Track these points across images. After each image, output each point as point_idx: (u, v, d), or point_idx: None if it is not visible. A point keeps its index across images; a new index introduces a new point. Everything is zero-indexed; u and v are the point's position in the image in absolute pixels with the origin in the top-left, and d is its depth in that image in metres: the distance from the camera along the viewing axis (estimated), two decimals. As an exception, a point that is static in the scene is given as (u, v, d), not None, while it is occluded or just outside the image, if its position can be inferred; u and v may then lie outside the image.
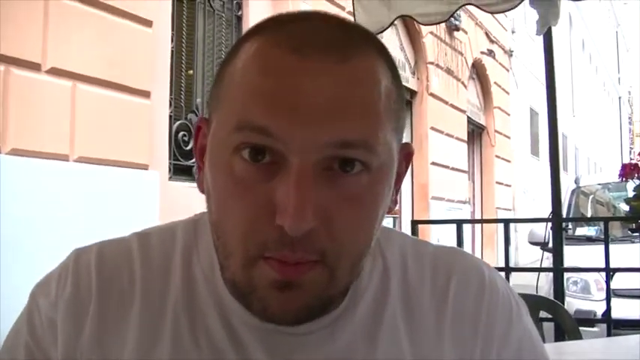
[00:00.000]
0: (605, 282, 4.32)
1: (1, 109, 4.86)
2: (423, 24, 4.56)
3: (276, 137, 0.81)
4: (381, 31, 4.34)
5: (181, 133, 6.95)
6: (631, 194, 4.14)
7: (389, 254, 1.04)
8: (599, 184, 9.13)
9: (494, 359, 1.02)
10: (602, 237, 5.86)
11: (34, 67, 5.13)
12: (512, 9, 4.05)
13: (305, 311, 0.87)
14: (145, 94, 6.12)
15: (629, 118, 47.44)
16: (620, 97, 43.22)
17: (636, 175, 4.03)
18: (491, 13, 5.31)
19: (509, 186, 18.02)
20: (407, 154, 0.97)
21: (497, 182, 17.15)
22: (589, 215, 8.25)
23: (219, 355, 0.94)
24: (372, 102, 0.85)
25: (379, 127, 0.85)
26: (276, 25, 0.89)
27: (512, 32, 18.31)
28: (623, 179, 4.14)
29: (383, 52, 0.90)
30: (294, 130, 0.80)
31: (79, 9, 5.46)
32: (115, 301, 0.97)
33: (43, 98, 5.19)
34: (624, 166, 4.10)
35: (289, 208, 0.79)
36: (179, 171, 6.94)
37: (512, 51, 18.19)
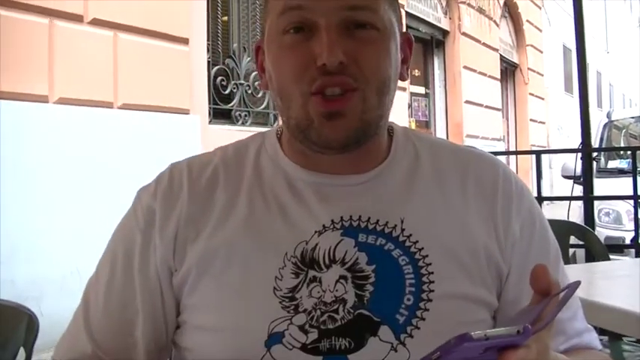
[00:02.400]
0: (634, 209, 4.45)
1: (47, 61, 5.07)
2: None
3: (307, 9, 1.14)
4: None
5: (219, 78, 7.13)
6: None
7: (418, 143, 1.31)
8: (632, 118, 9.14)
9: (513, 214, 1.25)
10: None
11: (77, 18, 5.34)
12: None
13: (350, 133, 1.15)
14: (184, 41, 6.31)
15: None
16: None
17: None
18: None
19: (544, 123, 18.01)
20: (407, 39, 1.28)
21: (531, 119, 17.16)
22: (622, 148, 8.29)
23: (283, 205, 1.20)
24: None
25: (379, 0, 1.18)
26: None
27: (545, -32, 18.14)
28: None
29: None
30: (318, 1, 1.14)
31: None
32: (202, 188, 1.23)
33: (86, 49, 5.39)
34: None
35: (324, 49, 1.11)
36: (218, 114, 7.13)
37: (545, -13, 18.06)
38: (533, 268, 0.96)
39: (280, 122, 1.28)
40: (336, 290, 1.14)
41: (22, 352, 1.59)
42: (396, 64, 1.21)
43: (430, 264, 1.16)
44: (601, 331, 3.21)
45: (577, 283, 0.96)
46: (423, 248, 1.17)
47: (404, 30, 1.27)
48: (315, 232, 1.17)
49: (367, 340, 1.13)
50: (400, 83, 1.28)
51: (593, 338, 1.31)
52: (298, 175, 1.23)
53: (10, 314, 1.64)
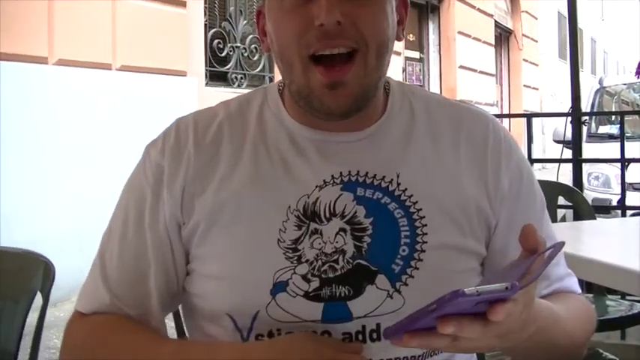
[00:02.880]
0: (621, 172, 4.56)
1: (47, 24, 5.14)
2: None
3: None
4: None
5: (216, 41, 7.21)
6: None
7: (414, 100, 1.36)
8: (624, 84, 9.20)
9: (502, 170, 1.32)
10: (626, 135, 6.10)
11: (76, -19, 5.39)
12: None
13: (352, 101, 1.20)
14: (181, 4, 6.39)
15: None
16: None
17: (652, 72, 4.24)
18: None
19: (537, 89, 18.10)
20: (403, 1, 1.32)
21: (524, 85, 17.25)
22: (613, 114, 8.38)
23: (286, 161, 1.26)
24: None
25: None
26: None
27: None
28: (639, 76, 4.34)
29: None
30: None
31: None
32: (208, 143, 1.28)
33: (85, 11, 5.46)
34: (640, 64, 4.31)
35: (322, 10, 1.14)
36: (215, 77, 7.23)
37: (540, -47, 18.06)
38: (523, 227, 1.06)
39: (277, 84, 1.35)
40: (336, 242, 1.22)
41: (39, 297, 1.68)
42: (393, 25, 1.25)
43: (424, 217, 1.24)
44: (587, 289, 3.35)
45: (562, 244, 1.06)
46: (417, 202, 1.25)
47: None
48: (316, 186, 1.24)
49: (365, 288, 1.21)
50: (395, 47, 1.33)
51: (573, 282, 1.40)
52: (300, 132, 1.28)
53: (27, 261, 1.73)
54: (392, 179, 1.25)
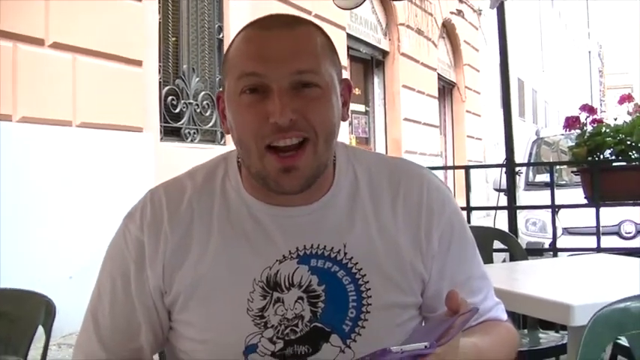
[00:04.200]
0: (552, 217, 4.89)
1: (11, 82, 5.35)
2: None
3: (261, 76, 1.36)
4: (357, 6, 4.92)
5: (170, 98, 7.44)
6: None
7: (357, 166, 1.54)
8: (562, 135, 9.51)
9: (434, 229, 1.50)
10: (560, 182, 6.44)
11: (39, 42, 5.64)
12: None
13: (304, 181, 1.39)
14: (137, 63, 6.63)
15: (600, 71, 47.82)
16: (589, 52, 43.63)
17: (577, 126, 4.58)
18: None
19: (480, 139, 18.46)
20: (347, 85, 1.51)
21: (468, 136, 17.59)
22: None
23: (249, 237, 1.45)
24: (313, 48, 1.41)
25: (320, 61, 1.40)
26: (255, 20, 1.46)
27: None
28: (567, 130, 4.67)
29: (318, 27, 1.47)
30: (270, 69, 1.35)
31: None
32: (181, 221, 1.47)
33: (47, 70, 5.68)
34: (567, 119, 4.63)
35: (277, 109, 1.33)
36: (169, 132, 7.44)
37: (481, 10, 18.49)
38: (448, 292, 1.28)
39: (236, 154, 1.51)
40: (296, 308, 1.42)
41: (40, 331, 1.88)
42: (339, 111, 1.43)
43: (368, 282, 1.44)
44: (522, 324, 3.65)
45: (475, 310, 1.30)
46: (362, 269, 1.44)
47: (343, 77, 1.50)
48: (277, 260, 1.43)
49: (321, 345, 1.42)
50: (341, 102, 1.50)
51: (500, 311, 1.61)
52: (258, 208, 1.46)
53: (30, 300, 1.94)
54: (339, 249, 1.45)
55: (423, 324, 1.55)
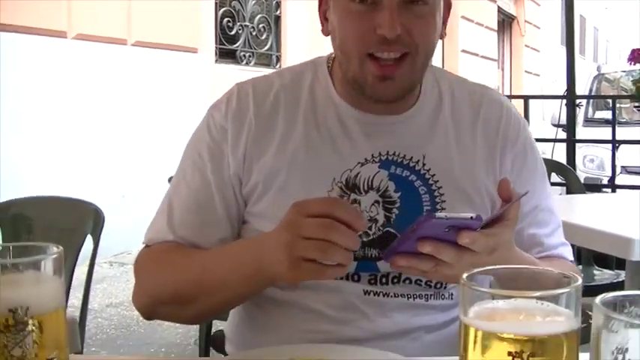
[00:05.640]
0: (612, 152, 4.77)
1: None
2: None
3: None
4: None
5: (226, 19, 7.39)
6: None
7: (442, 84, 1.56)
8: (623, 72, 9.32)
9: (508, 153, 1.52)
10: (620, 120, 6.29)
11: (96, -42, 5.59)
12: None
13: (400, 92, 1.42)
14: (194, -17, 6.56)
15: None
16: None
17: (645, 59, 4.42)
18: None
19: (538, 75, 18.20)
20: (447, 4, 1.49)
21: (526, 71, 17.37)
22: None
23: (333, 136, 1.47)
24: None
25: None
26: None
27: None
28: (632, 63, 4.51)
29: None
30: None
31: None
32: (266, 112, 1.48)
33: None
34: (633, 51, 4.47)
35: (386, 22, 1.33)
36: (224, 54, 7.41)
37: (545, -59, 18.13)
38: (499, 181, 1.30)
39: (325, 60, 1.54)
40: (371, 211, 1.43)
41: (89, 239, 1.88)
42: (439, 30, 1.44)
43: (443, 194, 1.45)
44: (577, 260, 3.57)
45: (525, 193, 1.29)
46: (438, 181, 1.46)
47: None
48: (358, 162, 1.45)
49: None
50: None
51: (567, 251, 1.60)
52: (347, 111, 1.48)
53: (78, 208, 1.94)
54: (419, 160, 1.47)
55: None
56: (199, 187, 1.48)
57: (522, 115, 4.89)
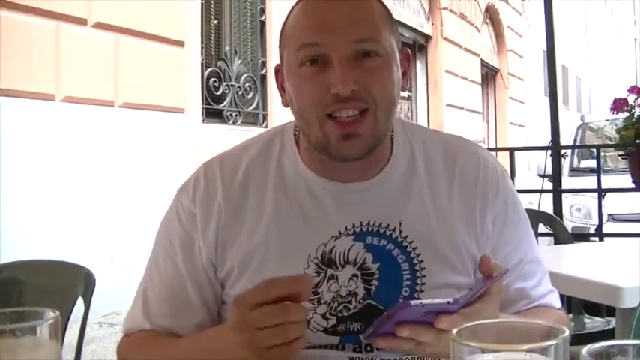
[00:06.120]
0: (597, 202, 4.80)
1: (54, 62, 5.37)
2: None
3: (321, 45, 1.35)
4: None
5: (212, 79, 7.44)
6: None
7: (414, 142, 1.52)
8: (606, 120, 9.41)
9: (488, 210, 1.49)
10: (605, 169, 6.34)
11: (81, 21, 5.64)
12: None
13: (365, 149, 1.38)
14: (180, 44, 6.63)
15: (645, 58, 46.98)
16: (635, 39, 42.97)
17: (625, 108, 4.47)
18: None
19: (523, 126, 18.30)
20: (406, 55, 1.48)
21: (510, 123, 17.44)
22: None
23: (305, 210, 1.44)
24: (372, 15, 1.39)
25: (379, 29, 1.38)
26: None
27: (525, -25, 18.46)
28: (615, 112, 4.56)
29: None
30: (330, 39, 1.34)
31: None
32: (235, 194, 1.46)
33: (90, 50, 5.70)
34: (615, 101, 4.51)
35: (338, 80, 1.32)
36: (211, 114, 7.44)
37: (525, -6, 18.39)
38: (480, 257, 1.31)
39: (292, 127, 1.52)
40: (350, 285, 1.41)
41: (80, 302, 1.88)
42: (399, 82, 1.42)
43: (422, 261, 1.42)
44: (567, 309, 3.58)
45: (506, 271, 1.29)
46: (417, 247, 1.43)
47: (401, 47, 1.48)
48: (332, 236, 1.42)
49: None
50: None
51: (554, 299, 1.59)
52: (316, 182, 1.46)
53: (69, 271, 1.94)
54: (395, 227, 1.44)
55: None
56: (171, 276, 1.48)
57: (508, 167, 4.98)
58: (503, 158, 12.54)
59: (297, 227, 1.44)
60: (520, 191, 5.22)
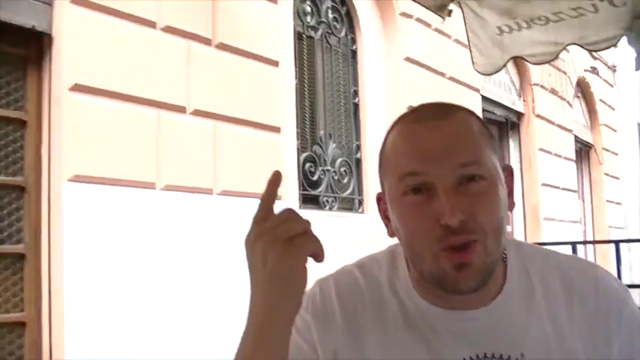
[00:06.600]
0: None
1: (155, 150, 5.36)
2: (532, 63, 4.98)
3: (423, 174, 1.31)
4: (497, 71, 4.74)
5: (308, 164, 7.36)
6: None
7: (528, 263, 1.47)
8: None
9: (613, 336, 1.39)
10: None
11: (180, 109, 5.64)
12: (612, 47, 4.41)
13: (479, 279, 1.31)
14: (276, 130, 6.57)
15: None
16: None
17: None
18: (593, 51, 5.67)
19: (620, 204, 17.82)
20: (509, 172, 1.43)
21: (607, 200, 16.98)
22: None
23: (427, 340, 1.39)
24: (472, 137, 1.35)
25: (481, 150, 1.34)
26: (407, 113, 1.43)
27: (614, 47, 18.17)
28: None
29: (472, 112, 1.42)
30: (432, 167, 1.30)
31: (214, 54, 5.96)
32: (353, 314, 1.44)
33: (189, 138, 5.68)
34: None
35: (445, 210, 1.26)
36: (307, 200, 7.32)
37: (616, 66, 18.04)
38: None
39: (403, 252, 1.47)
40: None
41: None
42: (505, 203, 1.37)
43: None
44: None
45: None
46: None
47: (504, 163, 1.43)
48: None
49: None
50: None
51: None
52: (433, 312, 1.41)
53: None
54: (516, 359, 1.36)
55: None
56: None
57: (615, 257, 4.68)
58: (603, 248, 12.10)
59: (420, 354, 1.39)
60: (634, 286, 4.94)
